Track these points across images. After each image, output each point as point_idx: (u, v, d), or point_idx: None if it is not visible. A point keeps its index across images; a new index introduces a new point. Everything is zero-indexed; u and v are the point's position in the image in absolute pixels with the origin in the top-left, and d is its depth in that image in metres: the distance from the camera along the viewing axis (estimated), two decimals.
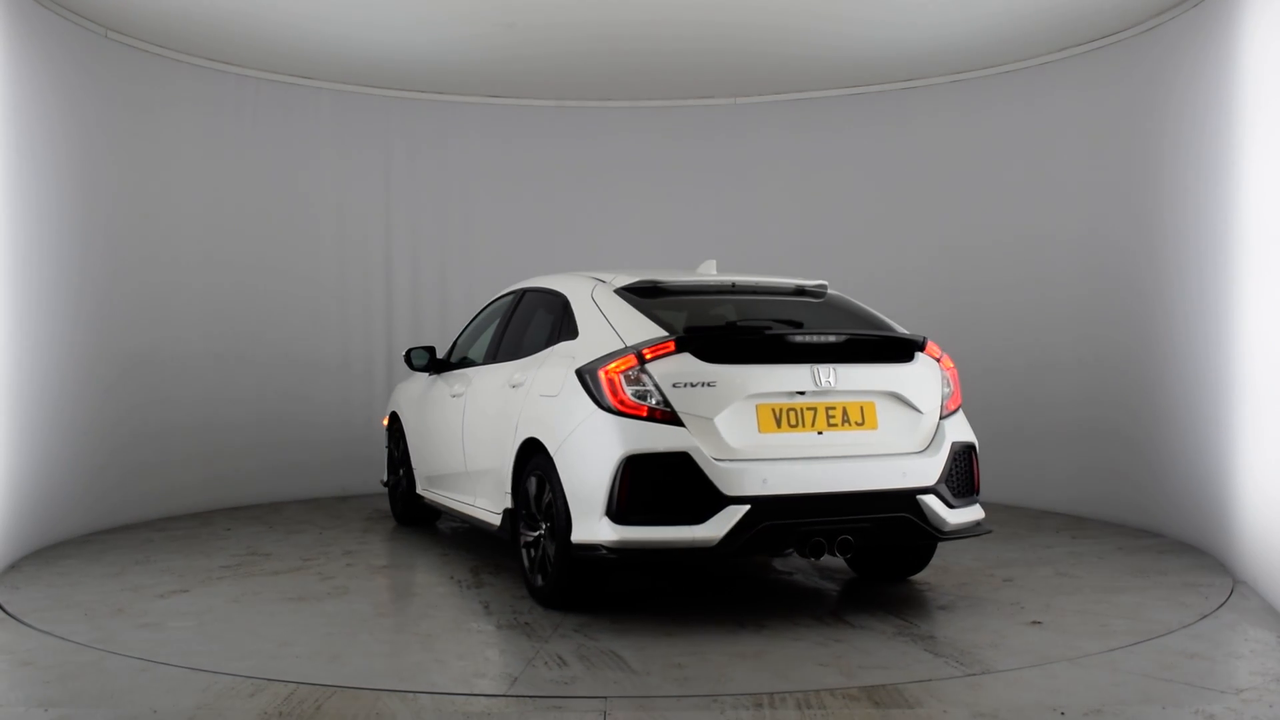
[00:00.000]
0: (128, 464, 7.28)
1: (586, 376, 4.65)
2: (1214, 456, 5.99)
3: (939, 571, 5.64)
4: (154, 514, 7.48)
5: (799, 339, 4.72)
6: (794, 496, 4.45)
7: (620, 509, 4.39)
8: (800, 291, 5.42)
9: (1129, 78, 7.23)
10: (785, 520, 4.45)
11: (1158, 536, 6.62)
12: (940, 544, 5.96)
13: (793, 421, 4.60)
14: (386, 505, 7.92)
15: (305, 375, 8.66)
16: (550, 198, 9.36)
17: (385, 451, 7.62)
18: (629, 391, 4.50)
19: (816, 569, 5.79)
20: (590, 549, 4.48)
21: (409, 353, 6.70)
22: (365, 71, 8.46)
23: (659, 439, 4.43)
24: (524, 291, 6.02)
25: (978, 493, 4.98)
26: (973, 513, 4.89)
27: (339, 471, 8.76)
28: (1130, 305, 7.17)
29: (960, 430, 4.94)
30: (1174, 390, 6.60)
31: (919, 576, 5.51)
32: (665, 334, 4.65)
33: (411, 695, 3.70)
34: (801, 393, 4.60)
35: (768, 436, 4.55)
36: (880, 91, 8.84)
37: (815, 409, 4.64)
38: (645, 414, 4.47)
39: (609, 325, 4.86)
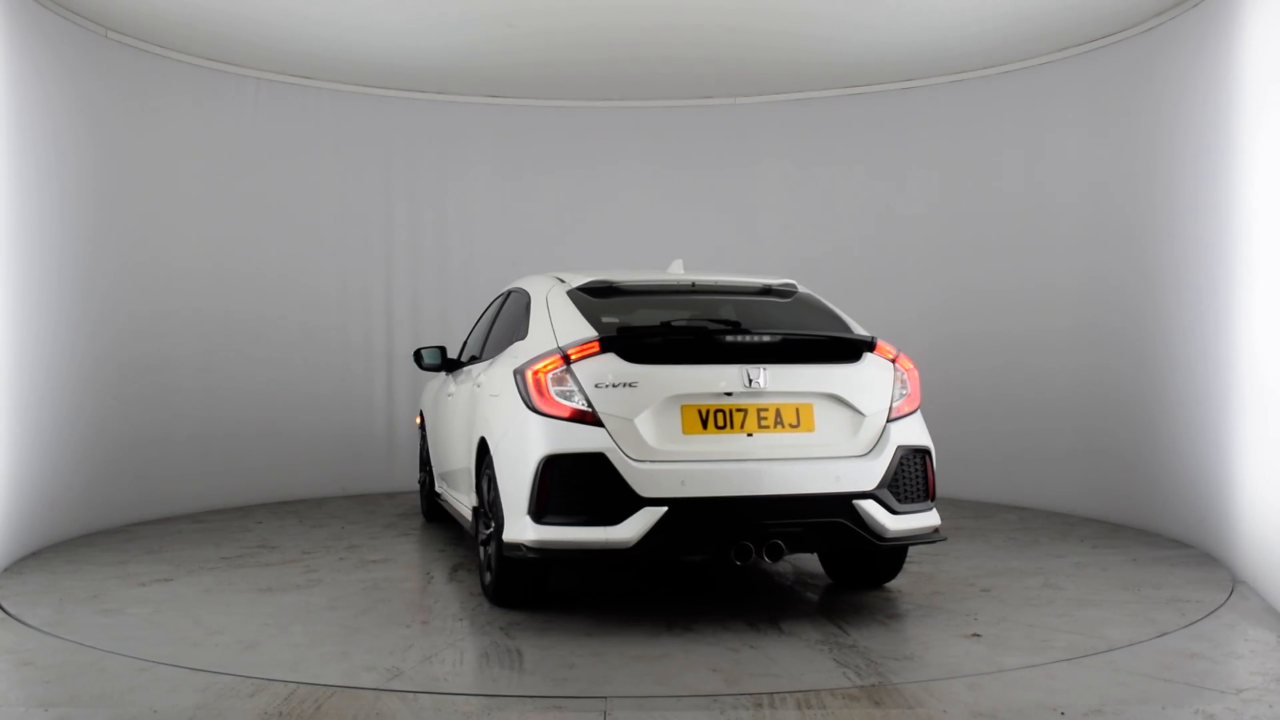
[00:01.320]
0: (129, 463, 7.29)
1: (518, 377, 4.68)
2: (1214, 457, 5.98)
3: (922, 579, 5.49)
4: (154, 514, 7.48)
5: (729, 339, 4.60)
6: (715, 499, 4.37)
7: (539, 509, 4.41)
8: (767, 291, 5.33)
9: (1129, 78, 7.23)
10: (704, 523, 4.38)
11: (1186, 548, 6.25)
12: (943, 551, 5.98)
13: (720, 423, 4.50)
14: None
15: (305, 374, 8.66)
16: (550, 198, 9.36)
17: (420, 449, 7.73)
18: (554, 392, 4.50)
19: (801, 574, 5.69)
20: (515, 548, 4.50)
21: (418, 352, 6.62)
22: (365, 71, 8.46)
23: (577, 440, 4.41)
24: (510, 291, 6.06)
25: (932, 499, 4.79)
26: (923, 519, 4.70)
27: (339, 470, 8.76)
28: (1131, 305, 7.17)
29: (911, 434, 4.75)
30: (1174, 390, 6.60)
31: (894, 584, 5.34)
32: (592, 334, 4.63)
33: (412, 695, 3.70)
34: (729, 394, 4.50)
35: (693, 438, 4.47)
36: (880, 91, 8.84)
37: (746, 410, 4.52)
38: (569, 415, 4.46)
39: (550, 326, 4.88)
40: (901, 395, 4.80)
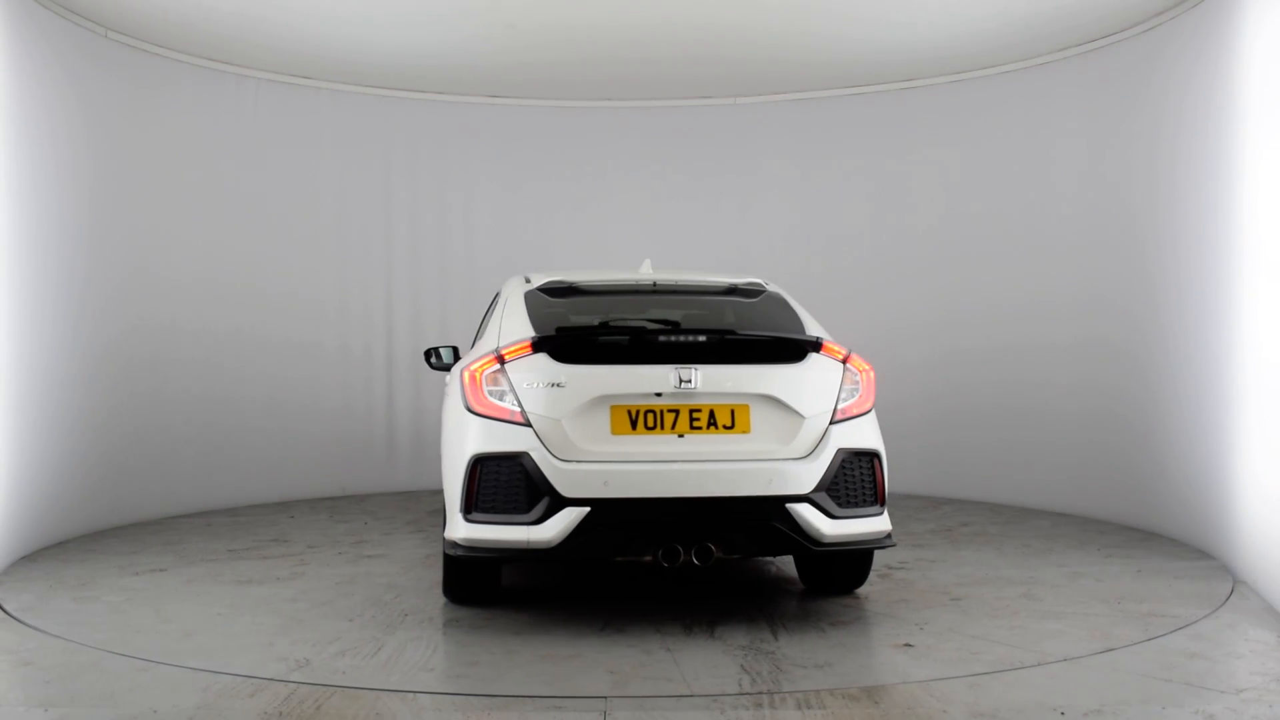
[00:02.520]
0: (129, 463, 7.29)
1: (461, 377, 4.73)
2: (1214, 457, 5.99)
3: (898, 587, 5.34)
4: (155, 514, 7.48)
5: (662, 339, 4.55)
6: (638, 500, 4.34)
7: (468, 508, 4.46)
8: (732, 291, 5.28)
9: (1129, 78, 7.23)
10: (626, 524, 4.37)
11: (1208, 559, 5.97)
12: (941, 558, 5.93)
13: (650, 424, 4.47)
14: None
15: (306, 374, 8.66)
16: (550, 197, 9.36)
17: None
18: (487, 392, 4.55)
19: (782, 578, 5.58)
20: (452, 546, 4.56)
21: (430, 351, 6.49)
22: (365, 71, 8.46)
23: (504, 440, 4.44)
24: (498, 292, 6.07)
25: (880, 503, 4.66)
26: (868, 524, 4.58)
27: (339, 470, 8.76)
28: (1130, 305, 7.17)
29: (856, 436, 4.63)
30: (1175, 389, 6.60)
31: (864, 590, 5.21)
32: (528, 335, 4.65)
33: (411, 695, 3.70)
34: (659, 394, 4.46)
35: (622, 438, 4.45)
36: (880, 91, 8.84)
37: (678, 411, 4.48)
38: (501, 415, 4.50)
39: (499, 327, 4.93)
40: (851, 396, 4.69)
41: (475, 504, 4.45)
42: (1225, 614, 4.84)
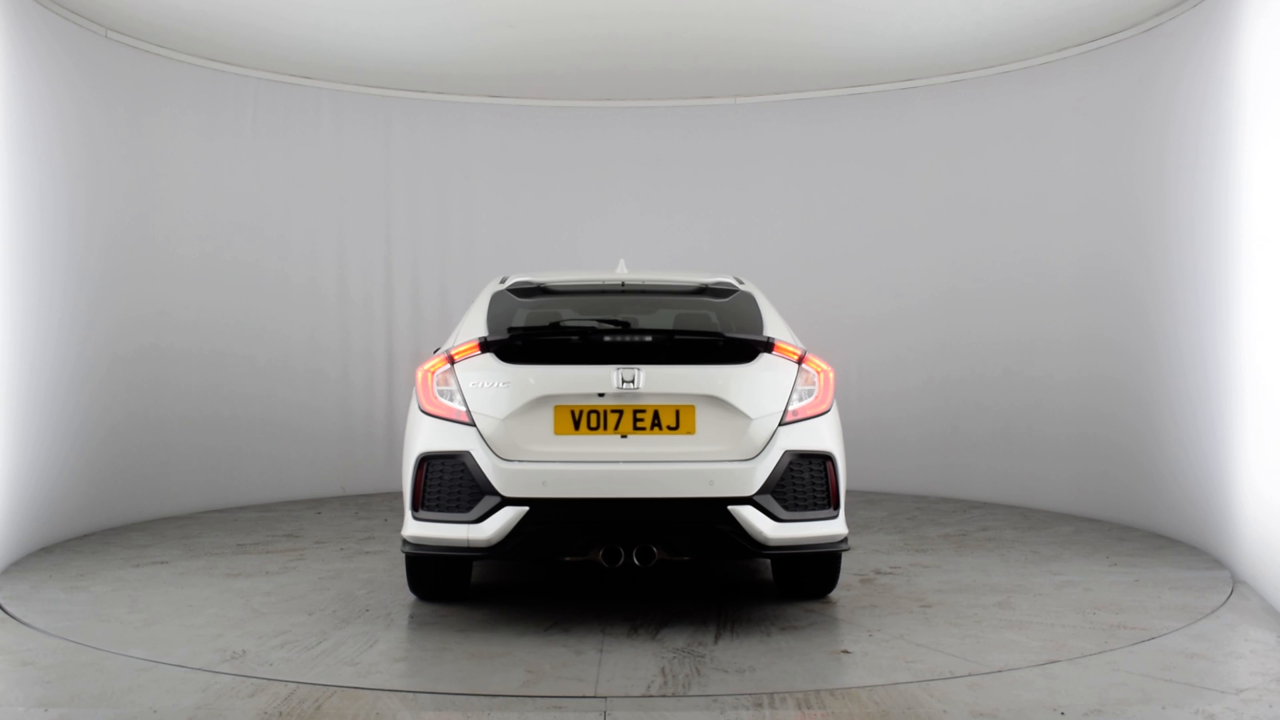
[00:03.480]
0: (129, 463, 7.29)
1: (415, 377, 4.78)
2: (1214, 457, 5.99)
3: (872, 593, 5.22)
4: (156, 513, 7.48)
5: (606, 339, 4.55)
6: (576, 500, 4.35)
7: (415, 505, 4.55)
8: (703, 290, 5.26)
9: (1129, 77, 7.23)
10: (564, 525, 4.37)
11: (1217, 568, 5.75)
12: (934, 564, 5.85)
13: (594, 424, 4.47)
14: None
15: (305, 374, 8.65)
16: (550, 197, 9.36)
17: None
18: (437, 392, 4.61)
19: (757, 582, 5.49)
20: (403, 543, 4.63)
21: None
22: (365, 71, 8.46)
23: (448, 439, 4.50)
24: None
25: (833, 506, 4.57)
26: (817, 528, 4.50)
27: (338, 470, 8.76)
28: (1130, 304, 7.17)
29: (807, 438, 4.54)
30: (1174, 389, 6.60)
31: (836, 594, 5.14)
32: (477, 336, 4.70)
33: (411, 695, 3.70)
34: (602, 395, 4.45)
35: (565, 438, 4.46)
36: (880, 91, 8.84)
37: (622, 412, 4.47)
38: (448, 415, 4.55)
39: (459, 327, 5.01)
40: (805, 397, 4.61)
41: (422, 502, 4.54)
42: (1225, 614, 4.84)
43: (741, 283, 5.35)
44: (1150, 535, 6.75)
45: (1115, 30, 7.29)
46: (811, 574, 5.01)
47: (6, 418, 5.88)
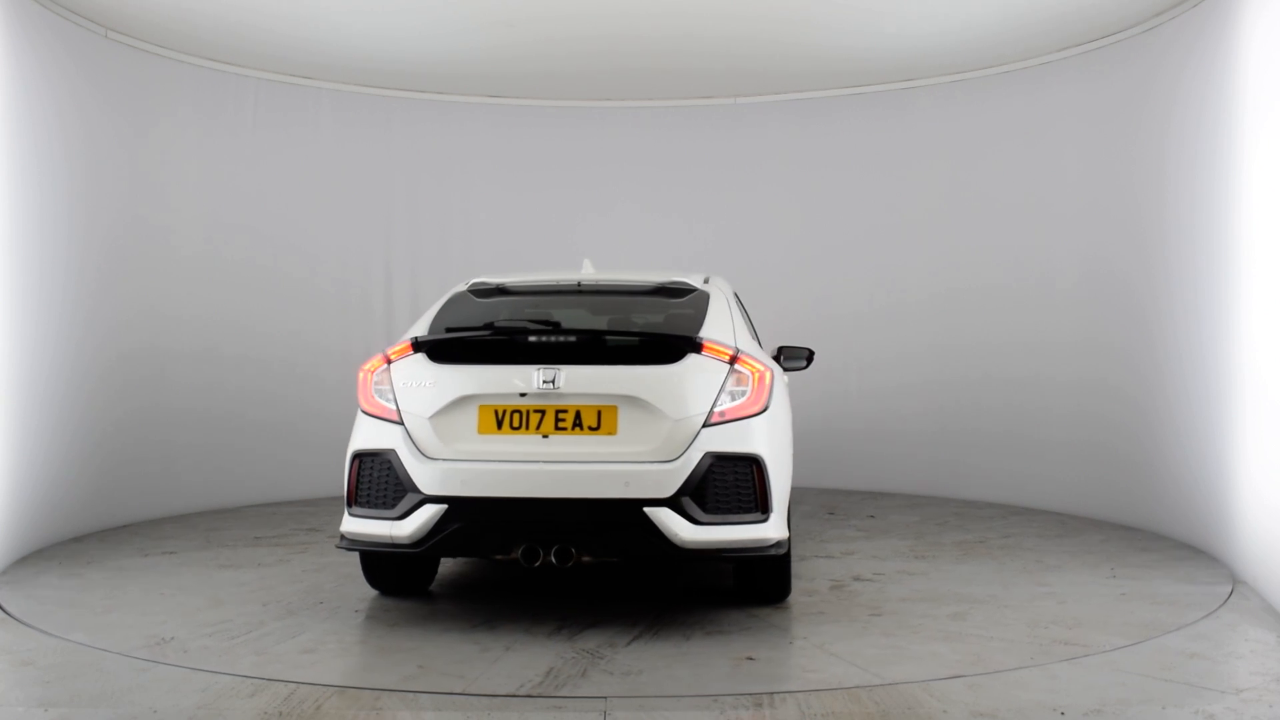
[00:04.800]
0: (129, 463, 7.29)
1: (357, 377, 4.87)
2: (1214, 457, 5.99)
3: (838, 599, 5.11)
4: (156, 513, 7.49)
5: (531, 339, 4.57)
6: (493, 499, 4.37)
7: (349, 502, 4.67)
8: (659, 290, 5.22)
9: (1129, 77, 7.23)
10: (481, 523, 4.41)
11: (1220, 583, 5.44)
12: (924, 570, 5.75)
13: (516, 424, 4.48)
14: None
15: (305, 374, 8.65)
16: (550, 197, 9.36)
17: None
18: (374, 391, 4.71)
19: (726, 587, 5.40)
20: (339, 538, 4.73)
21: None
22: (365, 71, 8.46)
23: (378, 437, 4.60)
24: None
25: (761, 509, 4.45)
26: (742, 531, 4.39)
27: (337, 470, 8.73)
28: (1130, 305, 7.17)
29: (732, 440, 4.45)
30: (1174, 389, 6.60)
31: (794, 599, 5.05)
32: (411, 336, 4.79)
33: (411, 695, 3.70)
34: (524, 394, 4.47)
35: (487, 438, 4.49)
36: (880, 91, 8.84)
37: (544, 411, 4.47)
38: (382, 413, 4.65)
39: (413, 328, 5.06)
40: (736, 398, 4.52)
41: (355, 499, 4.64)
42: (1225, 614, 4.84)
43: (707, 282, 5.27)
44: (1180, 545, 6.40)
45: (1115, 30, 7.29)
46: (764, 579, 4.91)
47: (8, 417, 5.88)
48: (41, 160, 6.41)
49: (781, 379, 5.24)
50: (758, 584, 4.96)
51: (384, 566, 5.07)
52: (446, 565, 5.87)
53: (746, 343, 4.94)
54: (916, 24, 7.37)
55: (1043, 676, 3.91)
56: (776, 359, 6.32)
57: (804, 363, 6.33)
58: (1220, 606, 4.96)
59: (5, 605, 4.99)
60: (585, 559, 4.41)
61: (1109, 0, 6.80)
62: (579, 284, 5.26)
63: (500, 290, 5.28)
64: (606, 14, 7.20)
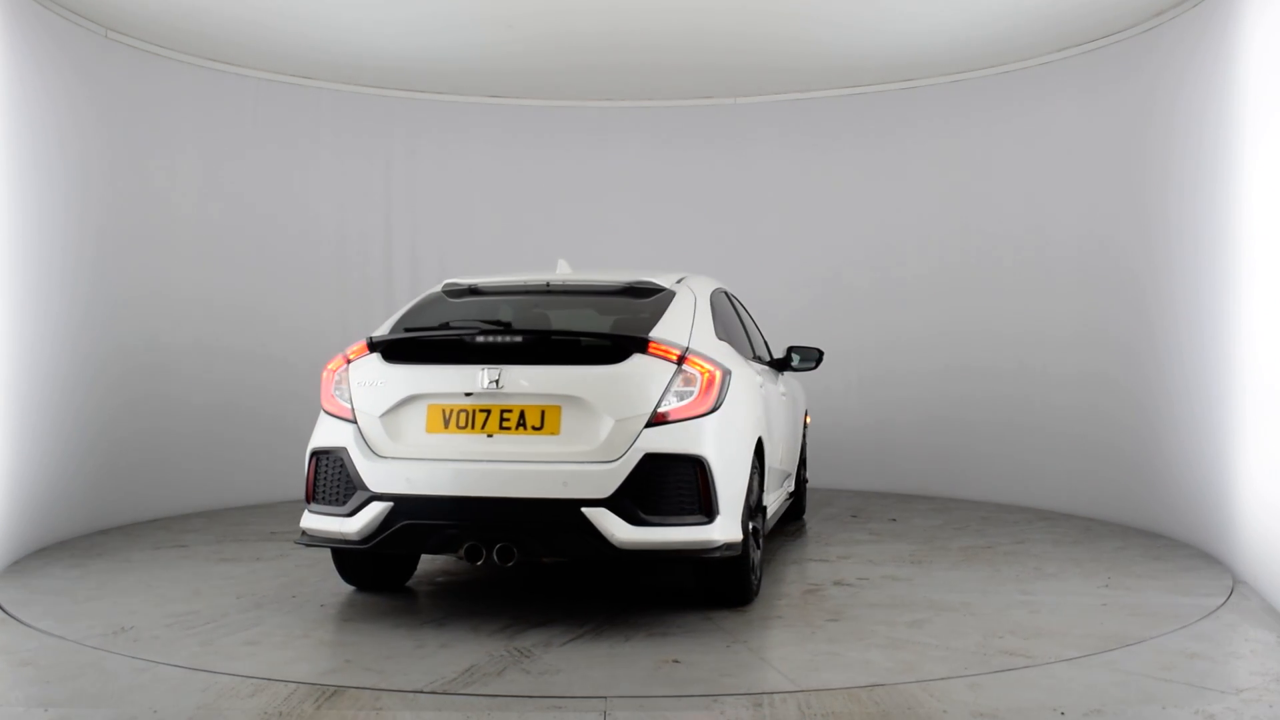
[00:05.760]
0: (128, 463, 7.29)
1: (320, 376, 4.95)
2: (1214, 456, 5.99)
3: (805, 603, 5.01)
4: (156, 513, 7.49)
5: (479, 340, 4.60)
6: (436, 498, 4.42)
7: (307, 498, 4.79)
8: (627, 290, 5.18)
9: (1129, 77, 7.23)
10: (425, 521, 4.45)
11: (1214, 578, 5.41)
12: (910, 577, 5.61)
13: (462, 423, 4.52)
14: None
15: (305, 375, 8.63)
16: (550, 198, 9.36)
17: None
18: (333, 390, 4.80)
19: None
20: (300, 534, 4.81)
21: None
22: (365, 71, 8.46)
23: (332, 435, 4.70)
24: None
25: (704, 511, 4.39)
26: (682, 533, 4.34)
27: None
28: (1131, 305, 7.17)
29: (675, 440, 4.40)
30: (1175, 389, 6.60)
31: (758, 603, 4.97)
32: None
33: (411, 695, 3.70)
34: (469, 394, 4.51)
35: (434, 437, 4.54)
36: (880, 91, 8.84)
37: (490, 411, 4.51)
38: (339, 412, 4.74)
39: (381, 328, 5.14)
40: (682, 398, 4.48)
41: (313, 495, 4.75)
42: (1225, 614, 4.84)
43: (680, 282, 5.23)
44: (1194, 556, 6.11)
45: (1115, 30, 7.29)
46: (721, 582, 4.84)
47: (9, 416, 5.89)
48: (41, 160, 6.41)
49: (752, 379, 5.19)
50: (715, 587, 4.88)
51: (353, 562, 5.15)
52: (437, 562, 5.90)
53: (708, 344, 4.85)
54: (917, 24, 7.37)
55: (1043, 676, 3.91)
56: (786, 359, 6.37)
57: (813, 363, 6.41)
58: (1220, 606, 4.96)
59: (3, 593, 5.10)
60: (545, 559, 4.47)
61: (1108, 1, 6.80)
62: (548, 284, 5.30)
63: (472, 291, 5.35)
64: (606, 14, 7.20)
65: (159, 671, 3.98)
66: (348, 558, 5.13)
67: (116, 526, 7.07)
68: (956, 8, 7.05)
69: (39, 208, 6.36)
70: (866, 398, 8.96)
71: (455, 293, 5.35)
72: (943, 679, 3.86)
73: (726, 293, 6.05)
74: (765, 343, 6.69)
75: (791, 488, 6.88)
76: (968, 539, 6.74)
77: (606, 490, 4.33)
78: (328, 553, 5.94)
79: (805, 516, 7.60)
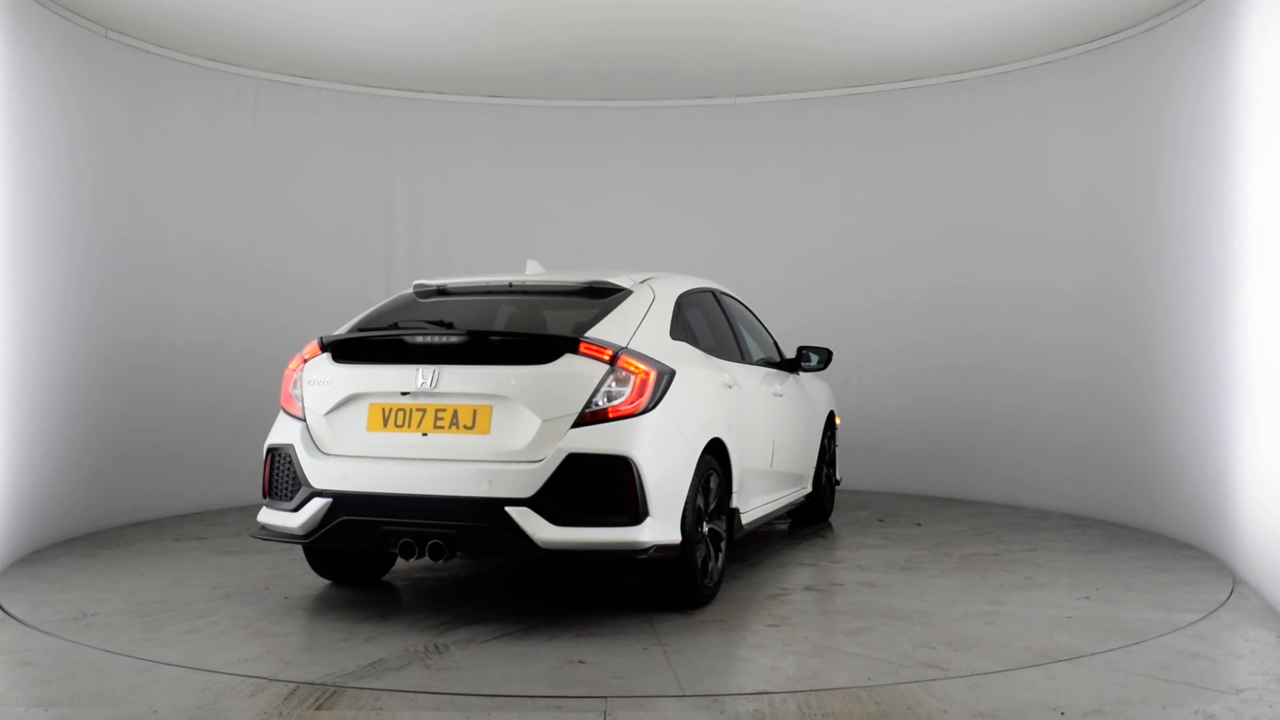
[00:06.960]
0: (128, 464, 7.28)
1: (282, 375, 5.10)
2: (1214, 456, 5.99)
3: (764, 609, 4.94)
4: (156, 513, 7.49)
5: (420, 339, 4.68)
6: (373, 495, 4.54)
7: (263, 493, 4.95)
8: (585, 291, 5.13)
9: (1129, 77, 7.23)
10: (360, 517, 4.57)
11: (1208, 594, 5.12)
12: (894, 584, 5.46)
13: (400, 422, 4.63)
14: None
15: None
16: (550, 198, 9.37)
17: None
18: (290, 390, 4.95)
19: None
20: (259, 528, 4.93)
21: None
22: (365, 71, 8.46)
23: (283, 433, 4.86)
24: None
25: (631, 512, 4.35)
26: (606, 534, 4.32)
27: None
28: (1131, 305, 7.17)
29: (601, 441, 4.38)
30: (1175, 389, 6.60)
31: (714, 606, 4.91)
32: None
33: (411, 695, 3.70)
34: (406, 393, 4.61)
35: (374, 435, 4.66)
36: (880, 91, 8.84)
37: (425, 410, 4.60)
38: (292, 410, 4.90)
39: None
40: (613, 399, 4.45)
41: (268, 491, 4.90)
42: (1225, 614, 4.84)
43: (644, 283, 5.18)
44: (1201, 569, 5.81)
45: (1115, 30, 7.29)
46: (666, 584, 4.79)
47: (10, 415, 5.89)
48: (40, 160, 6.41)
49: (714, 380, 5.11)
50: (661, 589, 4.83)
51: (320, 556, 5.25)
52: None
53: (656, 344, 4.79)
54: (916, 24, 7.37)
55: (1043, 676, 3.91)
56: (796, 360, 6.40)
57: (822, 364, 6.58)
58: (1220, 606, 4.96)
59: (7, 582, 5.24)
60: (497, 559, 4.50)
61: (1107, 1, 6.80)
62: (510, 284, 5.37)
63: (440, 291, 5.45)
64: (606, 13, 7.20)
65: (159, 671, 3.98)
66: (315, 552, 5.24)
67: (150, 520, 7.33)
68: (956, 8, 7.05)
69: (39, 207, 6.36)
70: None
71: (424, 293, 5.46)
72: (943, 679, 3.86)
73: (716, 293, 6.00)
74: (775, 343, 6.66)
75: (806, 489, 6.80)
76: (978, 546, 6.51)
77: (530, 489, 4.35)
78: None
79: (832, 519, 7.46)
